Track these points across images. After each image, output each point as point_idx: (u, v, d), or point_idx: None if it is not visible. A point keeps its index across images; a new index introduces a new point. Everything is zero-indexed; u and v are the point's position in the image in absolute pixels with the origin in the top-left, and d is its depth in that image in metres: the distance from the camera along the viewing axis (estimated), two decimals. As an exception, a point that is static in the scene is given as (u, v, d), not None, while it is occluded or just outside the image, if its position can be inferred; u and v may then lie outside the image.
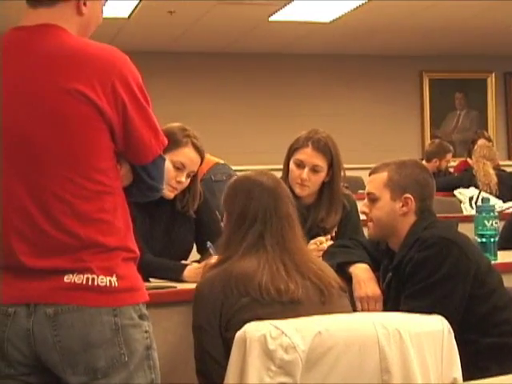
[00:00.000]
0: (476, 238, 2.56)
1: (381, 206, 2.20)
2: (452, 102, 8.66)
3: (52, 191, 1.53)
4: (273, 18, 6.50)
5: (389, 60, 8.33)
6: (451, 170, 6.53)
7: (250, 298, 1.82)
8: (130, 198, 1.65)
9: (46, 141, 1.53)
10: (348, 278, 2.19)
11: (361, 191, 4.54)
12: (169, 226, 2.55)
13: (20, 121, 1.54)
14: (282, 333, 1.65)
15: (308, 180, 2.63)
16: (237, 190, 1.95)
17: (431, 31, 7.19)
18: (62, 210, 1.53)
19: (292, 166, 2.66)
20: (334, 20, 6.64)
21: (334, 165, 2.65)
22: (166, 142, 1.65)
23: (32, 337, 1.52)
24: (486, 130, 7.87)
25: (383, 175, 2.21)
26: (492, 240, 2.55)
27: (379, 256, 2.31)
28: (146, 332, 1.59)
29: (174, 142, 2.42)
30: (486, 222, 2.55)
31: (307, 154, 2.63)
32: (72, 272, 1.52)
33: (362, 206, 2.29)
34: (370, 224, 2.24)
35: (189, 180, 2.49)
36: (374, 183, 2.23)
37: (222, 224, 2.04)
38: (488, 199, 2.78)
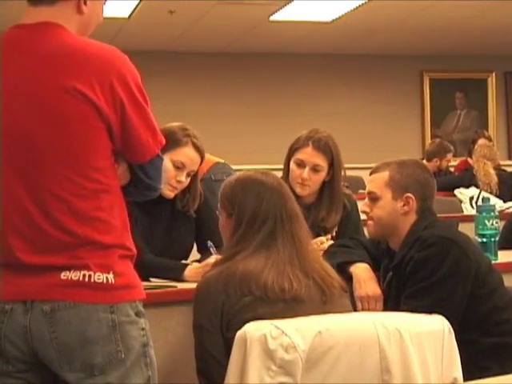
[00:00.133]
0: (476, 237, 2.56)
1: (382, 205, 2.20)
2: (452, 101, 8.66)
3: (50, 189, 1.54)
4: (273, 18, 6.50)
5: (389, 60, 8.33)
6: (452, 169, 6.53)
7: (252, 298, 1.82)
8: (127, 198, 1.66)
9: (45, 139, 1.54)
10: (348, 278, 2.19)
11: (361, 191, 4.54)
12: (169, 225, 2.55)
13: (19, 119, 1.55)
14: (283, 332, 1.65)
15: (308, 179, 2.62)
16: (245, 191, 1.95)
17: (432, 31, 7.19)
18: (60, 208, 1.53)
19: (292, 165, 2.66)
20: (334, 20, 6.64)
21: (334, 164, 2.64)
22: (163, 141, 1.66)
23: (29, 333, 1.52)
24: (487, 130, 7.86)
25: (384, 174, 2.21)
26: (492, 240, 2.55)
27: (380, 255, 2.31)
28: (143, 329, 1.59)
29: (174, 141, 2.42)
30: (486, 221, 2.55)
31: (308, 154, 2.63)
32: (69, 269, 1.53)
33: (362, 205, 2.29)
34: (370, 223, 2.24)
35: (189, 179, 2.49)
36: (376, 182, 2.23)
37: (220, 223, 2.03)
38: (488, 199, 2.78)
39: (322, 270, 1.93)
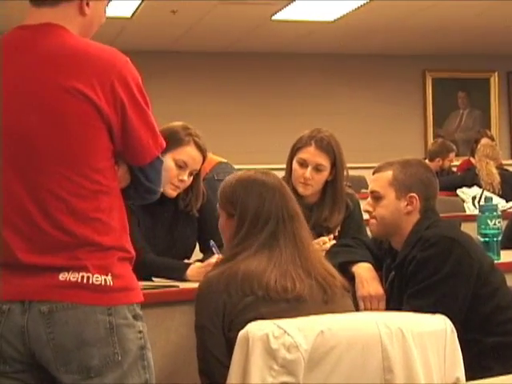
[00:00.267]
0: (479, 237, 2.55)
1: (385, 205, 2.20)
2: (455, 101, 8.65)
3: (49, 189, 1.53)
4: (275, 18, 6.50)
5: (391, 59, 8.33)
6: (454, 169, 6.52)
7: (253, 297, 1.81)
8: (127, 201, 1.66)
9: (45, 138, 1.54)
10: (351, 278, 2.19)
11: (363, 190, 4.53)
12: (172, 225, 2.55)
13: (19, 119, 1.55)
14: (285, 332, 1.65)
15: (311, 179, 2.62)
16: (247, 191, 1.95)
17: (434, 30, 7.18)
18: (59, 207, 1.53)
19: (295, 165, 2.65)
20: (336, 19, 6.63)
21: (337, 164, 2.64)
22: (164, 144, 1.66)
23: (26, 334, 1.52)
24: (489, 129, 7.86)
25: (388, 174, 2.21)
26: (495, 239, 2.55)
27: (382, 255, 2.31)
28: (140, 332, 1.59)
29: (176, 140, 2.42)
30: (488, 221, 2.54)
31: (310, 153, 2.62)
32: (67, 270, 1.52)
33: (365, 204, 2.28)
34: (373, 221, 2.24)
35: (191, 179, 2.49)
36: (379, 182, 2.23)
37: (220, 223, 2.03)
38: (491, 198, 2.78)
39: (324, 269, 1.93)
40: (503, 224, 2.70)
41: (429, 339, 1.78)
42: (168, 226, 2.54)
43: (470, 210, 4.98)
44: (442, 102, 8.56)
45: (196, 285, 1.95)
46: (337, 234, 2.65)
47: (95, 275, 1.53)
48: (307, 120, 6.44)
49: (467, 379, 1.81)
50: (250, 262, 1.86)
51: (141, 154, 1.61)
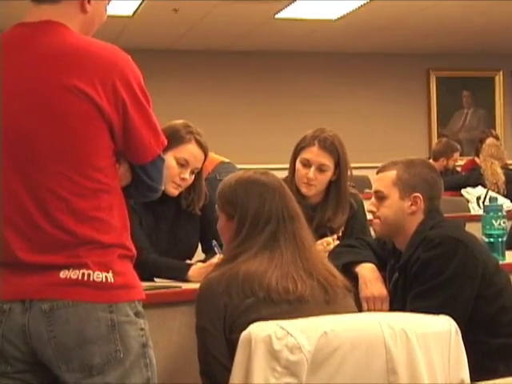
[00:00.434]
0: (484, 237, 2.54)
1: (389, 205, 2.19)
2: (459, 100, 8.63)
3: (49, 188, 1.53)
4: (278, 16, 6.49)
5: (395, 58, 8.31)
6: (459, 169, 6.50)
7: (255, 299, 1.80)
8: (128, 199, 1.66)
9: (45, 137, 1.53)
10: (354, 278, 2.18)
11: (367, 190, 4.53)
12: (174, 225, 2.54)
13: (20, 117, 1.54)
14: (288, 333, 1.64)
15: (314, 179, 2.61)
16: (247, 192, 1.93)
17: (438, 29, 7.17)
18: (59, 206, 1.53)
19: (298, 165, 2.64)
20: (339, 18, 6.62)
21: (340, 164, 2.63)
22: (165, 142, 1.65)
23: (27, 333, 1.52)
24: (494, 129, 7.84)
25: (392, 173, 2.20)
26: (500, 240, 2.53)
27: (386, 256, 2.29)
28: (142, 330, 1.58)
29: (178, 138, 2.41)
30: (493, 221, 2.53)
31: (314, 153, 2.61)
32: (68, 267, 1.52)
33: (369, 204, 2.27)
34: (376, 221, 2.23)
35: (193, 177, 2.48)
36: (383, 181, 2.21)
37: (219, 224, 2.01)
38: (496, 198, 2.77)
39: (326, 269, 1.92)
40: (508, 224, 2.68)
41: (433, 340, 1.76)
42: (170, 225, 2.53)
43: (475, 210, 4.96)
44: (446, 101, 8.54)
45: (198, 285, 1.94)
46: (340, 234, 2.63)
47: (96, 272, 1.52)
48: (309, 119, 6.44)
49: (472, 381, 1.80)
50: (250, 264, 1.85)
51: (142, 153, 1.60)
